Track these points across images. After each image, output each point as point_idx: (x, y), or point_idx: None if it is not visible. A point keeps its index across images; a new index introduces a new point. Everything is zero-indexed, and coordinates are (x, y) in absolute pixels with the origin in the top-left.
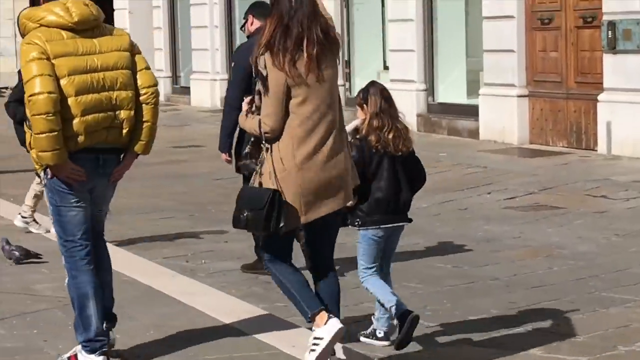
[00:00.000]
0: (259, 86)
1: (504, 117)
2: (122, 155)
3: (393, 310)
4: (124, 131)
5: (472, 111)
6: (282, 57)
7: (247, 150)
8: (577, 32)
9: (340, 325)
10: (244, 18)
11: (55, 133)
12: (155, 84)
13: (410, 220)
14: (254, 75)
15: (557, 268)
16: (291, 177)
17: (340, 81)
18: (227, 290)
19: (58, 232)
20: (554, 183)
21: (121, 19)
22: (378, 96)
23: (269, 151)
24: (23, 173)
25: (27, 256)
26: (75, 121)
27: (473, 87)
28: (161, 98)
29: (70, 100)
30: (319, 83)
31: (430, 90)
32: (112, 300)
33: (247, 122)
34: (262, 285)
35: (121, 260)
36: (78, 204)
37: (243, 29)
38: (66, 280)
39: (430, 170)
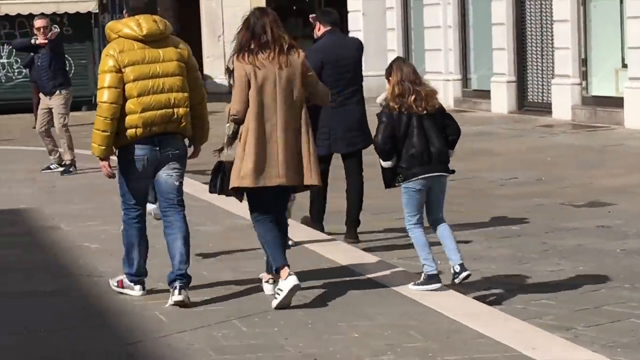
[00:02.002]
0: (229, 79)
1: None
2: (178, 136)
3: (425, 268)
4: (182, 124)
5: None
6: (248, 56)
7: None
8: None
9: (296, 282)
10: (313, 25)
11: (108, 134)
12: (203, 99)
13: (451, 172)
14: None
15: None
16: (240, 148)
17: (573, 79)
18: (463, 292)
19: (121, 192)
20: None
21: (355, 21)
22: (398, 69)
23: (238, 131)
24: None
25: None
26: (135, 117)
27: None
28: None
29: (132, 101)
30: (272, 78)
31: None
32: (185, 263)
33: (226, 110)
34: (500, 286)
35: (357, 260)
36: (133, 181)
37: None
38: (121, 228)
39: None
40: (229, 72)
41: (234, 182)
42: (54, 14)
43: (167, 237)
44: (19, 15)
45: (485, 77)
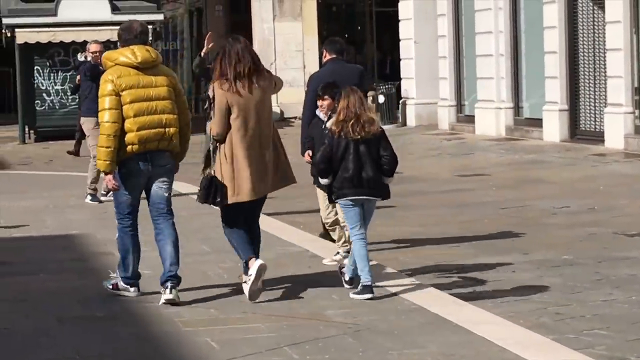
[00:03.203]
0: (207, 104)
1: None
2: (167, 153)
3: (362, 279)
4: (172, 142)
5: None
6: (226, 84)
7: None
8: None
9: (261, 263)
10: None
11: (112, 149)
12: (189, 121)
13: (380, 197)
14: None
15: None
16: (228, 169)
17: (626, 108)
18: (514, 320)
19: (115, 203)
20: None
21: (407, 49)
22: (346, 96)
23: (217, 149)
24: None
25: None
26: (132, 135)
27: None
28: (445, 127)
29: (129, 120)
30: (251, 101)
31: None
32: (175, 265)
33: (207, 129)
34: (551, 316)
35: (407, 288)
36: (127, 193)
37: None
38: (117, 236)
39: None
40: (208, 98)
41: (231, 199)
42: (108, 40)
43: (158, 243)
44: (73, 42)
45: (538, 106)
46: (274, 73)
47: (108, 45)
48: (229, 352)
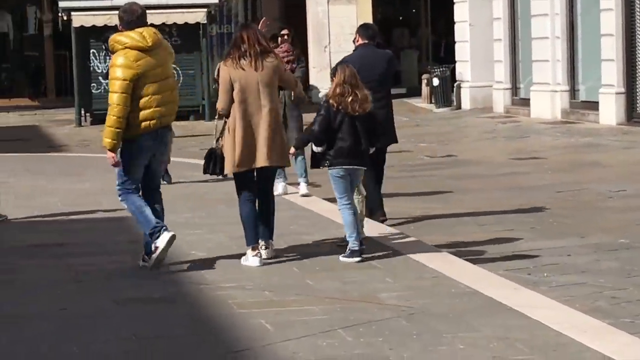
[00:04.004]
0: (216, 84)
1: None
2: (169, 131)
3: (350, 244)
4: (174, 116)
5: None
6: (231, 61)
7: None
8: None
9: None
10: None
11: (120, 130)
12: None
13: (366, 165)
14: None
15: None
16: (230, 140)
17: None
18: (570, 304)
19: (121, 180)
20: None
21: (461, 32)
22: (342, 72)
23: (225, 123)
24: None
25: None
26: (150, 111)
27: None
28: (500, 110)
29: (147, 99)
30: (253, 78)
31: None
32: (162, 218)
33: (217, 107)
34: (607, 300)
35: (462, 271)
36: (137, 167)
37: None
38: (126, 207)
39: None
40: (215, 78)
41: (229, 170)
42: (163, 24)
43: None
44: None
45: (594, 89)
46: (327, 56)
47: (163, 28)
48: (283, 334)
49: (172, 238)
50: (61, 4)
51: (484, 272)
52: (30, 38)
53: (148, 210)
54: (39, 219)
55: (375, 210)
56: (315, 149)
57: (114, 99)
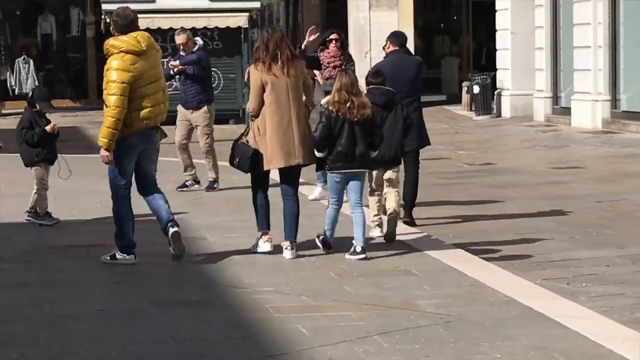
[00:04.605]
0: (246, 87)
1: None
2: (157, 130)
3: (327, 234)
4: (165, 116)
5: None
6: (262, 65)
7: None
8: None
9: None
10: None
11: (117, 131)
12: None
13: (369, 168)
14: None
15: None
16: (262, 140)
17: None
18: (608, 315)
19: (112, 175)
20: None
21: (503, 40)
22: (340, 79)
23: (254, 123)
24: None
25: None
26: (147, 110)
27: None
28: (540, 118)
29: (144, 100)
30: (283, 82)
31: None
32: (170, 214)
33: (248, 107)
34: None
35: (501, 279)
36: (128, 164)
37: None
38: (112, 208)
39: None
40: (245, 81)
41: (266, 166)
42: (205, 28)
43: (151, 202)
44: (170, 29)
45: (635, 99)
46: (368, 62)
47: (205, 32)
48: (320, 339)
49: (176, 234)
50: (104, 7)
51: (522, 281)
52: (73, 40)
53: (128, 226)
54: (79, 220)
55: (404, 208)
56: (317, 154)
57: (112, 101)
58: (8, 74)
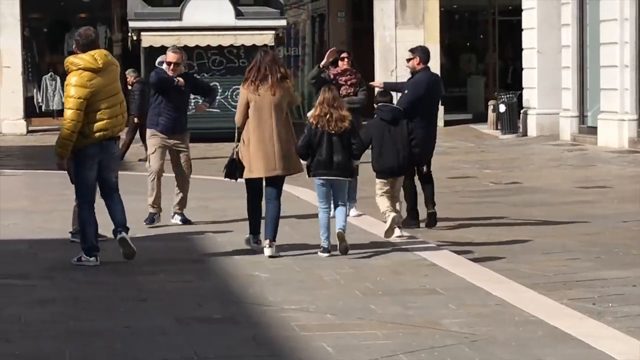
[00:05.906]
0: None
1: None
2: (115, 140)
3: (322, 243)
4: (122, 127)
5: None
6: (249, 85)
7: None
8: None
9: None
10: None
11: (71, 142)
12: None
13: (347, 176)
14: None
15: None
16: (247, 150)
17: None
18: (635, 335)
19: (75, 184)
20: None
21: (529, 59)
22: (323, 93)
23: (240, 135)
24: None
25: None
26: (104, 122)
27: None
28: (566, 137)
29: (102, 111)
30: (267, 100)
31: None
32: (124, 219)
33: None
34: None
35: (526, 299)
36: (87, 171)
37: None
38: (78, 213)
39: None
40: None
41: (246, 175)
42: (231, 46)
43: (109, 206)
44: (197, 46)
45: None
46: (394, 80)
47: (231, 50)
48: (345, 358)
49: (123, 240)
50: (131, 25)
51: (548, 300)
52: None
53: (91, 231)
54: (104, 237)
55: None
56: (302, 162)
57: (69, 114)
58: (35, 91)
